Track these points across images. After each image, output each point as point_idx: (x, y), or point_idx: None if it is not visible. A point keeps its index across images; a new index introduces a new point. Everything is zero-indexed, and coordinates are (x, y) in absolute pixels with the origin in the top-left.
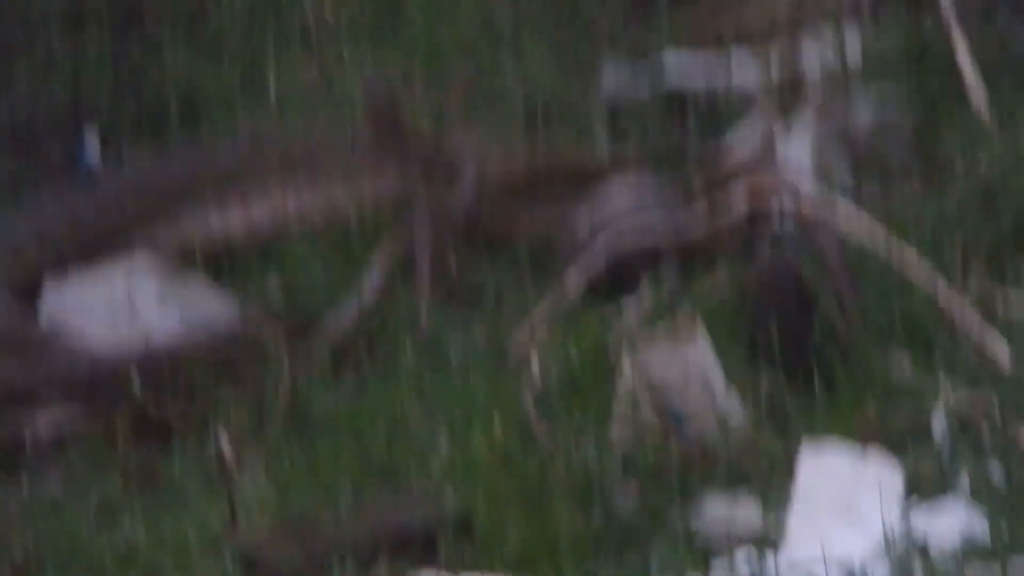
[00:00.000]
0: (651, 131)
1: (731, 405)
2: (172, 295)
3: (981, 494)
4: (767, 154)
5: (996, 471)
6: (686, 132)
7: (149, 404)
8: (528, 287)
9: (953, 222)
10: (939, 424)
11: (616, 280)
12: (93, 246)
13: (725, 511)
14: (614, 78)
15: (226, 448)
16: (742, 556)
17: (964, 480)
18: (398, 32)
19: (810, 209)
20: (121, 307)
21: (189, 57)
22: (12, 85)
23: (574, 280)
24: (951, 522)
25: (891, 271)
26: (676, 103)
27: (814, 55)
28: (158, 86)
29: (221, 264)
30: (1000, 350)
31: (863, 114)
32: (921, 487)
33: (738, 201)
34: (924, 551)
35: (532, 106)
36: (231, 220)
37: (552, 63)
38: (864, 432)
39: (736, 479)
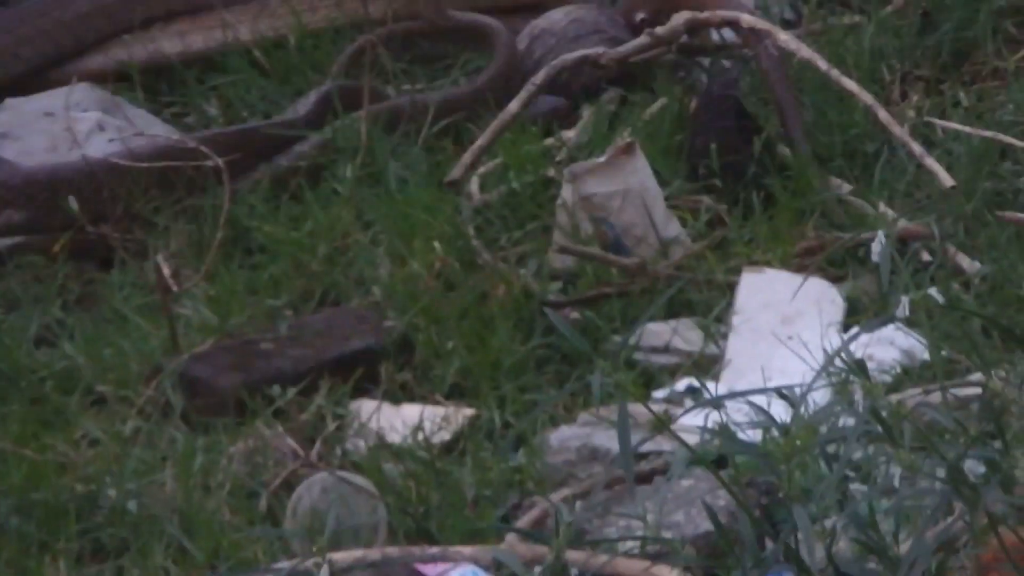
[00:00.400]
0: None
1: (671, 227)
2: (111, 121)
3: (921, 318)
4: None
5: (936, 295)
6: None
7: (88, 226)
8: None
9: (892, 46)
10: (878, 247)
11: (556, 104)
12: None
13: (665, 337)
14: None
15: (166, 271)
16: (683, 383)
17: (904, 304)
18: None
19: (750, 36)
20: (60, 134)
21: None
22: None
23: (515, 105)
24: (891, 346)
25: (830, 97)
26: None
27: None
28: None
29: (160, 89)
30: (939, 174)
31: None
32: (861, 311)
33: (678, 28)
34: (864, 374)
35: None
36: (168, 44)
37: None
38: (804, 256)
39: (676, 302)
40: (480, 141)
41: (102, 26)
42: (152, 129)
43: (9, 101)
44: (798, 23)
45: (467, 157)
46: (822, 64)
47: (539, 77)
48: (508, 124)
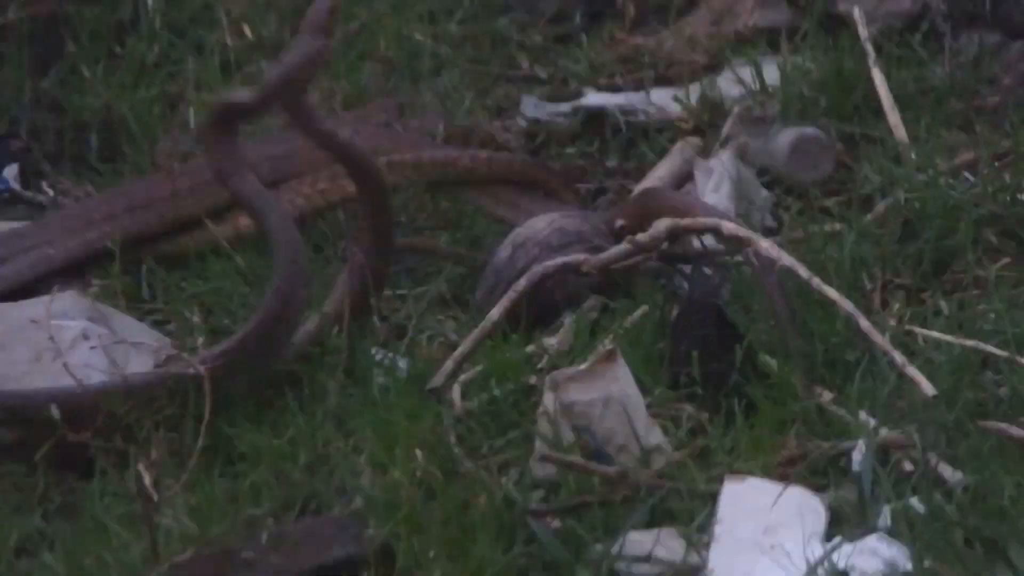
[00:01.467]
0: (570, 158)
1: (653, 435)
2: (95, 329)
3: (903, 528)
4: (687, 190)
5: (918, 505)
6: (606, 163)
7: (69, 437)
8: (450, 317)
9: (873, 254)
10: (859, 457)
11: (537, 311)
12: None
13: (647, 546)
14: (533, 109)
15: (147, 481)
16: None
17: (885, 513)
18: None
19: (734, 244)
20: (44, 343)
21: (108, 83)
22: None
23: (496, 312)
24: (873, 556)
25: (811, 304)
26: (595, 134)
27: (733, 85)
28: (77, 112)
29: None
30: (921, 383)
31: (782, 145)
32: (843, 521)
33: (659, 235)
34: None
35: (451, 132)
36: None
37: (472, 93)
38: (786, 464)
39: (658, 512)
40: (462, 348)
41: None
42: (137, 337)
43: None
44: (779, 230)
45: (448, 364)
46: (803, 272)
47: (520, 284)
48: (489, 331)
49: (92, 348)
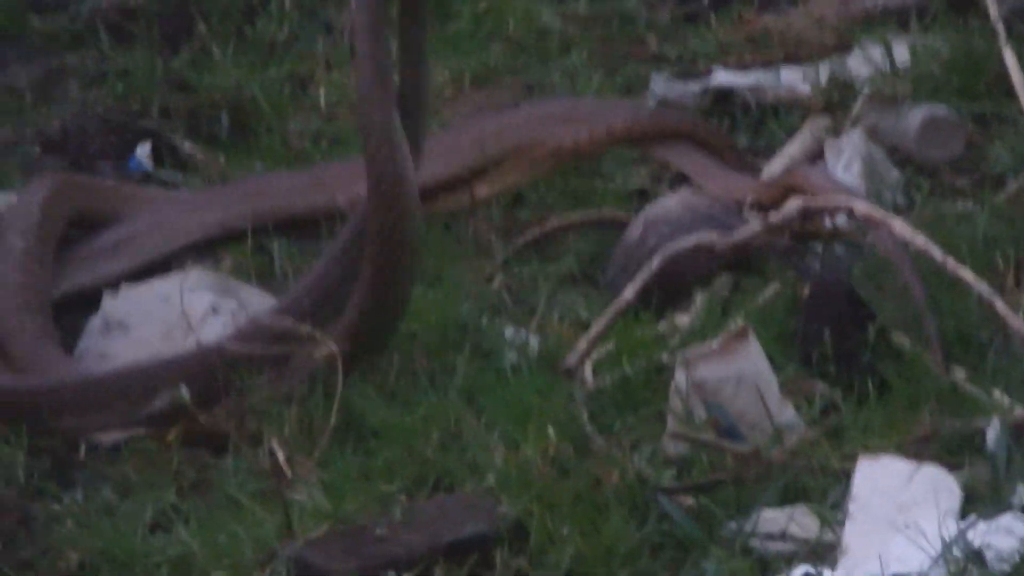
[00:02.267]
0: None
1: (785, 413)
2: (225, 304)
3: None
4: (818, 168)
5: None
6: (735, 140)
7: (202, 414)
8: (580, 295)
9: (1006, 234)
10: (994, 435)
11: (669, 290)
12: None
13: (781, 524)
14: (662, 88)
15: (279, 457)
16: (799, 570)
17: (1020, 492)
18: (447, 36)
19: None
20: (175, 320)
21: (238, 63)
22: (64, 96)
23: (629, 292)
24: (1008, 535)
25: (943, 283)
26: (725, 114)
27: (862, 65)
28: (208, 92)
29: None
30: None
31: (913, 124)
32: (977, 500)
33: (791, 215)
34: (981, 564)
35: None
36: None
37: (600, 73)
38: (919, 443)
39: (791, 490)
40: (595, 329)
41: None
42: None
43: (125, 289)
44: (910, 210)
45: (582, 344)
46: (937, 253)
47: (653, 264)
48: (622, 311)
49: (222, 322)
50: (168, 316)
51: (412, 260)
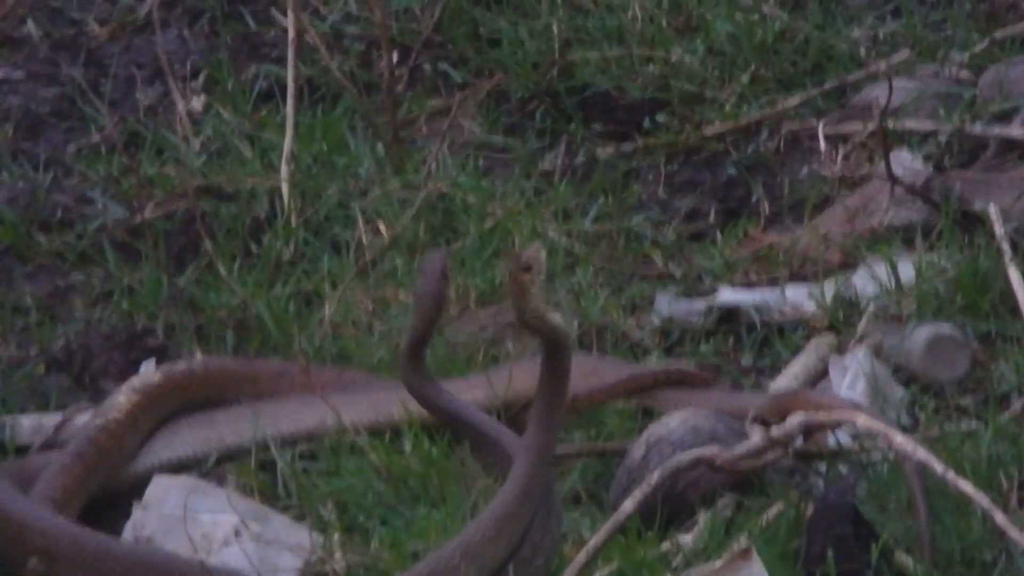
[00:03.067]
0: (704, 356)
1: None
2: (246, 530)
3: None
4: (822, 386)
5: None
6: (740, 360)
7: None
8: (584, 515)
9: (1010, 453)
10: None
11: (672, 509)
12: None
13: None
14: (667, 306)
15: None
16: None
17: None
18: (453, 254)
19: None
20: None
21: (244, 280)
22: (69, 314)
23: (629, 505)
24: None
25: (947, 504)
26: (730, 332)
27: (868, 283)
28: (213, 309)
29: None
30: None
31: (918, 343)
32: None
33: (793, 429)
34: None
35: (585, 329)
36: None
37: (607, 291)
38: None
39: None
40: (593, 541)
41: None
42: (292, 537)
43: (149, 495)
44: (915, 428)
45: (581, 556)
46: (938, 467)
47: (654, 478)
48: (622, 525)
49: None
50: (193, 535)
51: None
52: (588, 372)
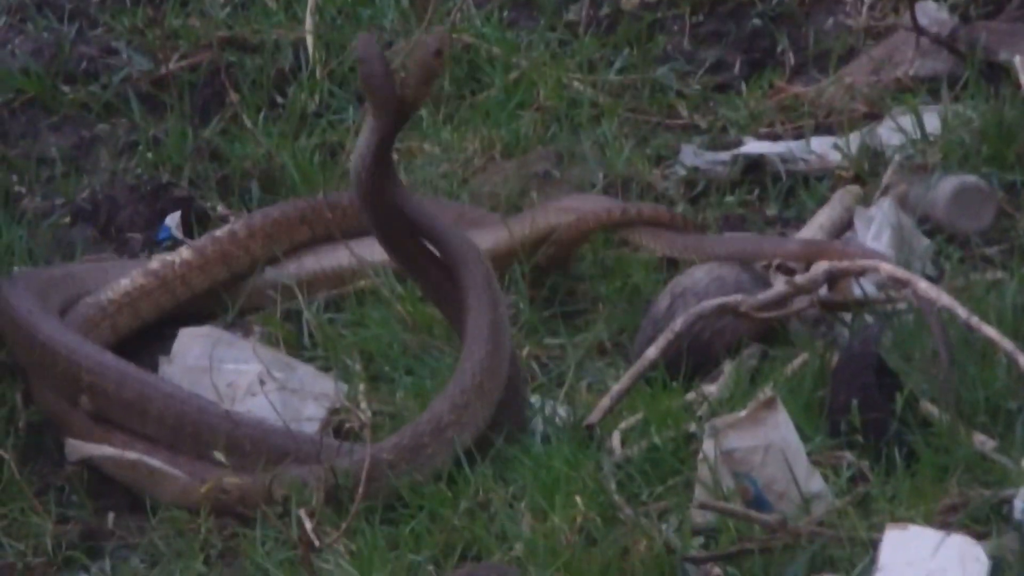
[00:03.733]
0: (730, 207)
1: (813, 483)
2: (270, 378)
3: None
4: (847, 237)
5: None
6: (766, 211)
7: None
8: (609, 365)
9: None
10: (1021, 505)
11: (697, 359)
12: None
13: None
14: (692, 157)
15: (307, 527)
16: None
17: None
18: (478, 105)
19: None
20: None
21: (269, 132)
22: (94, 165)
23: (653, 351)
24: None
25: (972, 353)
26: (755, 183)
27: (893, 134)
28: (238, 161)
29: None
30: None
31: (943, 193)
32: (1005, 569)
33: (817, 277)
34: None
35: (610, 181)
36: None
37: (631, 142)
38: (947, 512)
39: (819, 559)
40: (618, 386)
41: None
42: (317, 386)
43: (176, 349)
44: (940, 279)
45: (605, 401)
46: (962, 312)
47: (677, 324)
48: (647, 369)
49: (268, 391)
50: (218, 384)
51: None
52: (570, 208)
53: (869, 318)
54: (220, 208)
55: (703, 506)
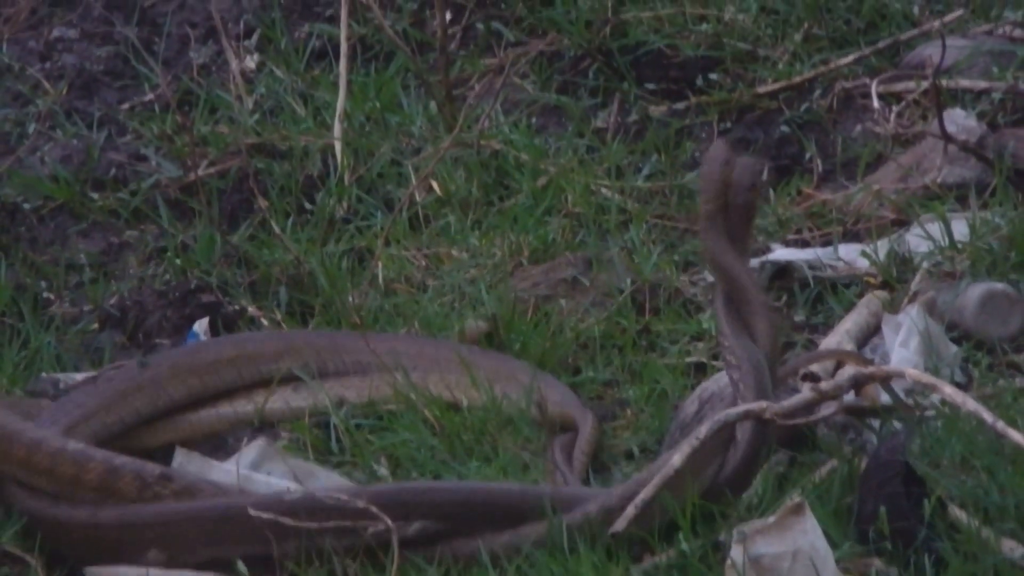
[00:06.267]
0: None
1: None
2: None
3: None
4: (875, 344)
5: None
6: (793, 317)
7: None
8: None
9: None
10: None
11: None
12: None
13: None
14: None
15: None
16: None
17: None
18: (506, 211)
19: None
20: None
21: (297, 238)
22: (123, 271)
23: (677, 458)
24: None
25: (1002, 460)
26: (783, 289)
27: (921, 241)
28: (267, 266)
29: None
30: None
31: (971, 300)
32: None
33: (843, 383)
34: None
35: (638, 287)
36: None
37: (660, 248)
38: None
39: None
40: (643, 494)
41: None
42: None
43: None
44: (968, 386)
45: (630, 510)
46: (988, 416)
47: (702, 431)
48: (671, 478)
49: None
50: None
51: None
52: None
53: (897, 424)
54: (251, 309)
55: None
